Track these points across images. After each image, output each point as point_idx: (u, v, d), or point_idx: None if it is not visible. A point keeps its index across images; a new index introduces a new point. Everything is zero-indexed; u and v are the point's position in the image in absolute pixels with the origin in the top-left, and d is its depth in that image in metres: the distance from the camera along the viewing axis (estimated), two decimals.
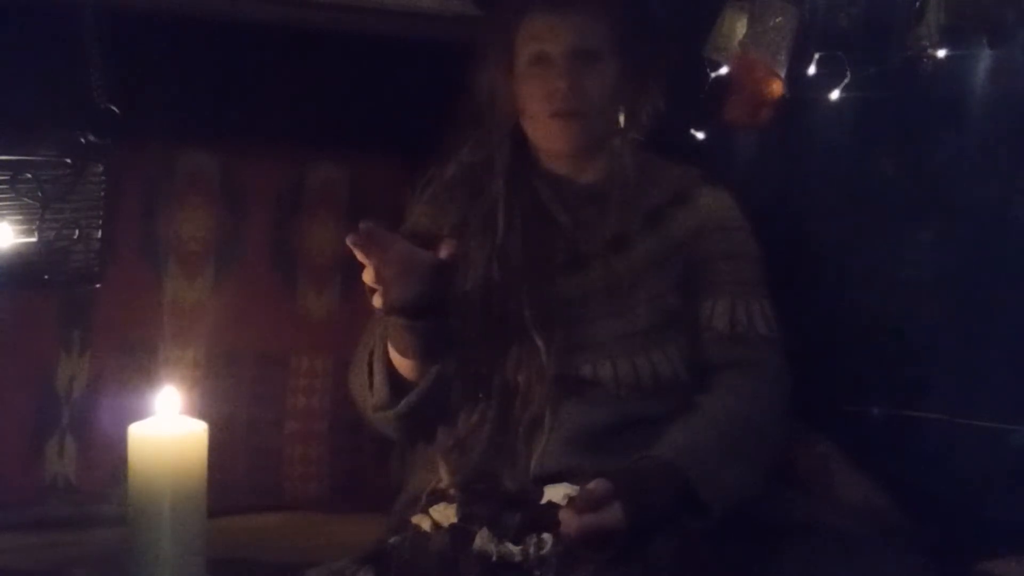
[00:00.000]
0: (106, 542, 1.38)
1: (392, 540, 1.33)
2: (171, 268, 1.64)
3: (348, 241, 1.20)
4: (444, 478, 1.39)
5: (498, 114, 1.48)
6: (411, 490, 1.44)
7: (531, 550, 1.22)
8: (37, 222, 1.54)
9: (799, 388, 1.42)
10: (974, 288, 1.51)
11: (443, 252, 1.25)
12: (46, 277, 1.57)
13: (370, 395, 1.38)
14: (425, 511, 1.36)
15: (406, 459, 1.60)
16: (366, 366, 1.39)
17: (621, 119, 1.49)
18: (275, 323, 1.66)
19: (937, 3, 1.48)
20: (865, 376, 1.62)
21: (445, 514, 1.33)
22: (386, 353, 1.36)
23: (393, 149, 1.73)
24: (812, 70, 1.62)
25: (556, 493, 1.28)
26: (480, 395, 1.39)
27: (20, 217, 1.54)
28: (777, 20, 1.64)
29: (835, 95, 1.60)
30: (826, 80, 1.61)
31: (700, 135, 1.79)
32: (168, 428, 1.10)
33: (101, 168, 1.59)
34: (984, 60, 1.47)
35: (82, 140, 1.58)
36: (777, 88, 1.66)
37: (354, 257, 1.23)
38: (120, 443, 1.09)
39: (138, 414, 1.11)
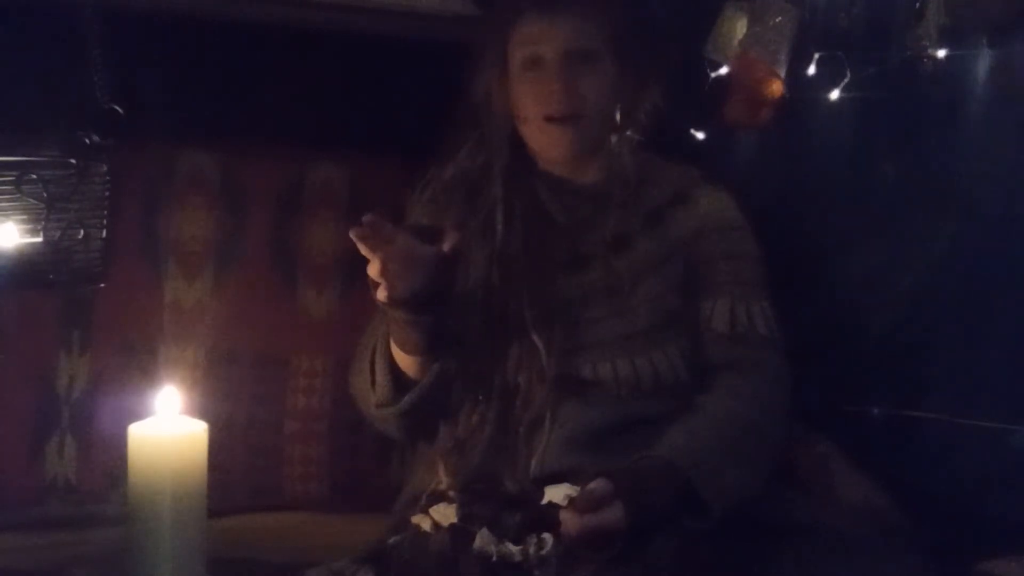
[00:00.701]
0: (106, 542, 1.38)
1: (392, 540, 1.33)
2: (171, 268, 1.64)
3: (352, 234, 1.20)
4: (444, 479, 1.39)
5: (495, 117, 1.47)
6: (411, 490, 1.44)
7: (531, 550, 1.22)
8: (42, 222, 1.55)
9: (799, 388, 1.42)
10: (974, 288, 1.51)
11: (446, 245, 1.25)
12: (50, 277, 1.57)
13: (372, 393, 1.38)
14: (425, 511, 1.36)
15: (406, 459, 1.60)
16: (368, 364, 1.40)
17: (619, 118, 1.48)
18: (275, 323, 1.66)
19: (937, 3, 1.48)
20: (865, 376, 1.62)
21: (445, 514, 1.33)
22: (388, 350, 1.36)
23: (393, 149, 1.73)
24: (812, 70, 1.62)
25: (557, 493, 1.28)
26: (480, 396, 1.39)
27: (25, 217, 1.54)
28: (777, 20, 1.64)
29: (835, 95, 1.60)
30: (826, 80, 1.61)
31: (700, 135, 1.79)
32: (168, 428, 1.10)
33: (105, 168, 1.60)
34: (984, 60, 1.47)
35: (86, 140, 1.59)
36: (777, 88, 1.66)
37: (354, 257, 1.23)
38: (120, 443, 1.09)
39: (138, 414, 1.11)
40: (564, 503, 1.23)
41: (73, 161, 1.57)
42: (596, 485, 1.17)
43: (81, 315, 1.61)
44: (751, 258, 1.47)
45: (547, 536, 1.23)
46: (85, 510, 1.55)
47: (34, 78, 1.65)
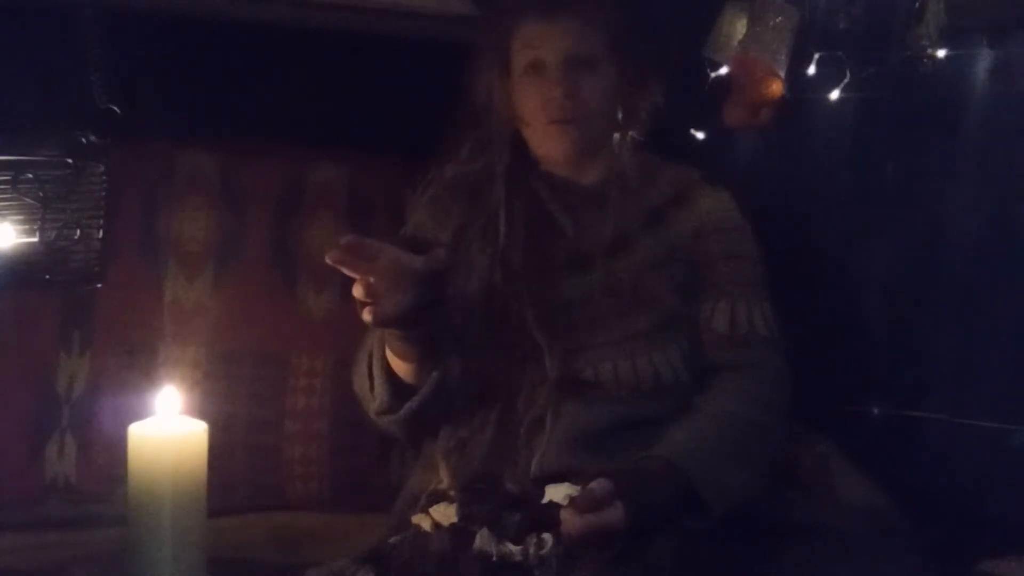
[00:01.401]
0: (106, 542, 1.38)
1: (392, 540, 1.33)
2: (171, 268, 1.64)
3: (328, 259, 1.14)
4: (444, 480, 1.39)
5: (497, 119, 1.47)
6: (411, 490, 1.44)
7: (531, 550, 1.22)
8: (39, 222, 1.54)
9: (799, 388, 1.42)
10: (974, 288, 1.51)
11: (435, 255, 1.22)
12: (47, 277, 1.57)
13: (372, 399, 1.38)
14: (425, 511, 1.36)
15: (406, 459, 1.60)
16: (366, 368, 1.39)
17: (620, 117, 1.48)
18: (275, 323, 1.66)
19: (937, 3, 1.49)
20: (865, 376, 1.62)
21: (445, 514, 1.33)
22: (385, 358, 1.35)
23: (393, 149, 1.73)
24: (812, 70, 1.63)
25: (557, 493, 1.28)
26: (482, 397, 1.39)
27: (21, 217, 1.54)
28: (777, 20, 1.64)
29: (835, 95, 1.60)
30: (826, 80, 1.61)
31: (700, 135, 1.79)
32: (168, 428, 1.10)
33: (102, 168, 1.60)
34: (984, 60, 1.47)
35: (83, 140, 1.58)
36: (777, 88, 1.66)
37: None
38: (120, 443, 1.09)
39: (138, 414, 1.11)
40: (565, 503, 1.23)
41: (70, 161, 1.57)
42: (597, 485, 1.17)
43: (81, 315, 1.61)
44: (751, 258, 1.47)
45: (547, 536, 1.22)
46: (85, 510, 1.55)
47: (32, 78, 1.65)
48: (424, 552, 1.28)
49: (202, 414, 1.14)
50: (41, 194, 1.54)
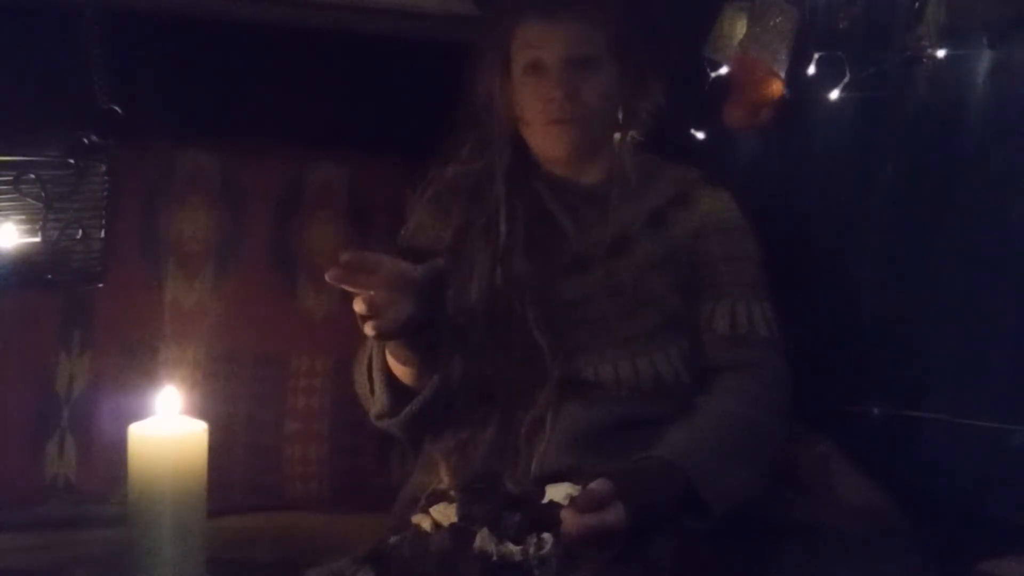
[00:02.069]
0: (106, 542, 1.38)
1: (392, 540, 1.33)
2: (171, 268, 1.64)
3: (329, 279, 1.15)
4: (444, 479, 1.39)
5: (497, 120, 1.47)
6: (411, 490, 1.44)
7: (531, 550, 1.22)
8: (41, 222, 1.55)
9: (799, 388, 1.42)
10: (974, 288, 1.51)
11: (434, 264, 1.23)
12: (49, 277, 1.57)
13: (372, 401, 1.38)
14: (425, 511, 1.36)
15: (406, 459, 1.60)
16: (366, 369, 1.39)
17: (621, 117, 1.48)
18: (275, 323, 1.66)
19: (937, 3, 1.48)
20: (865, 376, 1.62)
21: (445, 514, 1.33)
22: (385, 362, 1.35)
23: (393, 149, 1.73)
24: (812, 70, 1.63)
25: (558, 493, 1.28)
26: (483, 397, 1.39)
27: (24, 217, 1.54)
28: (777, 20, 1.64)
29: (835, 95, 1.60)
30: (826, 80, 1.61)
31: (700, 135, 1.79)
32: (168, 428, 1.10)
33: (104, 168, 1.60)
34: (984, 60, 1.47)
35: (85, 140, 1.58)
36: (777, 88, 1.66)
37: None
38: (120, 443, 1.09)
39: (138, 414, 1.11)
40: (565, 503, 1.23)
41: (72, 161, 1.57)
42: (597, 485, 1.17)
43: (81, 315, 1.61)
44: (752, 259, 1.47)
45: (547, 536, 1.22)
46: (85, 510, 1.55)
47: (34, 78, 1.65)
48: (424, 552, 1.28)
49: (202, 414, 1.14)
50: (43, 194, 1.55)
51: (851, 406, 1.60)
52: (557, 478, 1.31)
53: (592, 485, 1.18)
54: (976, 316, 1.51)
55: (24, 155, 1.55)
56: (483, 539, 1.23)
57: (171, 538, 1.07)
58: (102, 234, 1.60)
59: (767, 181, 1.74)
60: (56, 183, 1.56)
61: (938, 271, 1.56)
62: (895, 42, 1.54)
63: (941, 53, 1.49)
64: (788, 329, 1.45)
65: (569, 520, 1.16)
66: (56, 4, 1.62)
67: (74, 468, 1.58)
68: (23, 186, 1.54)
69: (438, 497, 1.37)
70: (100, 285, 1.61)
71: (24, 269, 1.55)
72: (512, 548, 1.22)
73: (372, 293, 1.19)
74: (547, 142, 1.46)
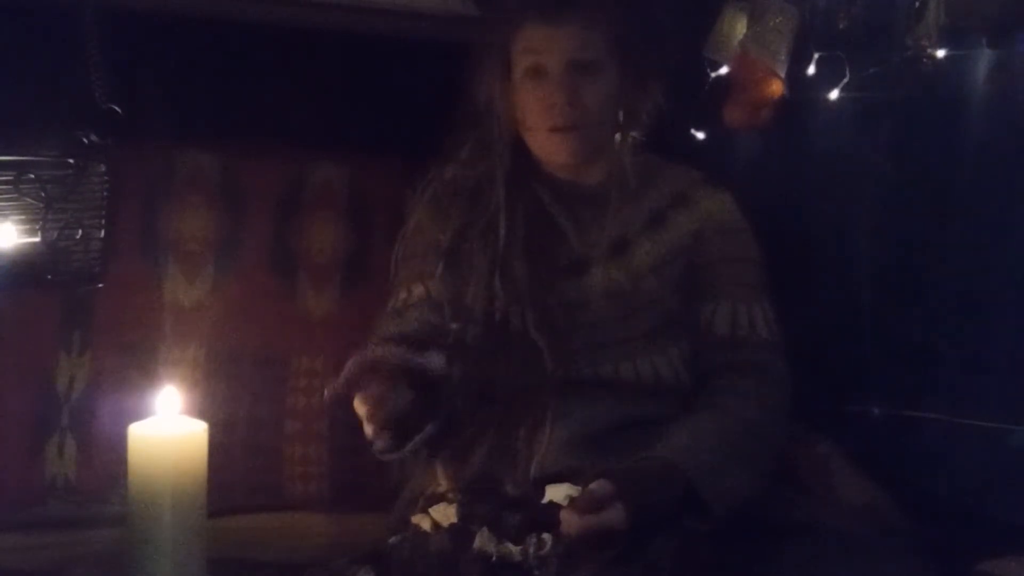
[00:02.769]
0: (106, 542, 1.38)
1: (392, 540, 1.33)
2: (171, 268, 1.64)
3: (332, 392, 1.16)
4: (442, 482, 1.39)
5: (498, 123, 1.46)
6: (411, 490, 1.44)
7: (531, 550, 1.22)
8: (40, 222, 1.55)
9: (799, 388, 1.42)
10: (974, 288, 1.51)
11: (435, 361, 1.21)
12: (49, 277, 1.57)
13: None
14: (425, 511, 1.36)
15: (406, 460, 1.60)
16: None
17: (621, 118, 1.48)
18: (275, 323, 1.66)
19: (937, 3, 1.48)
20: (865, 376, 1.62)
21: (445, 514, 1.33)
22: None
23: (393, 149, 1.73)
24: (812, 70, 1.63)
25: (558, 493, 1.28)
26: (483, 399, 1.39)
27: (23, 217, 1.54)
28: (777, 20, 1.64)
29: (835, 95, 1.60)
30: (826, 80, 1.61)
31: (700, 135, 1.79)
32: (168, 428, 1.10)
33: (103, 168, 1.60)
34: (984, 60, 1.47)
35: (84, 140, 1.59)
36: (777, 88, 1.66)
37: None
38: (120, 443, 1.09)
39: (138, 414, 1.12)
40: (565, 503, 1.23)
41: (71, 161, 1.57)
42: (597, 485, 1.17)
43: (81, 315, 1.61)
44: (752, 260, 1.47)
45: (547, 536, 1.22)
46: (85, 510, 1.55)
47: (33, 78, 1.65)
48: (424, 552, 1.28)
49: (202, 414, 1.14)
50: (43, 194, 1.55)
51: (851, 406, 1.60)
52: (557, 479, 1.31)
53: (592, 486, 1.17)
54: (976, 316, 1.51)
55: (23, 155, 1.55)
56: (483, 539, 1.24)
57: (171, 538, 1.07)
58: (102, 234, 1.60)
59: (767, 181, 1.74)
60: (56, 183, 1.56)
61: (938, 271, 1.56)
62: (895, 42, 1.54)
63: (941, 53, 1.49)
64: (788, 329, 1.45)
65: (569, 520, 1.16)
66: (56, 4, 1.62)
67: (74, 468, 1.58)
68: (23, 186, 1.54)
69: (438, 497, 1.37)
70: (100, 285, 1.61)
71: (23, 269, 1.55)
72: (512, 548, 1.23)
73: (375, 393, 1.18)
74: (549, 148, 1.45)
